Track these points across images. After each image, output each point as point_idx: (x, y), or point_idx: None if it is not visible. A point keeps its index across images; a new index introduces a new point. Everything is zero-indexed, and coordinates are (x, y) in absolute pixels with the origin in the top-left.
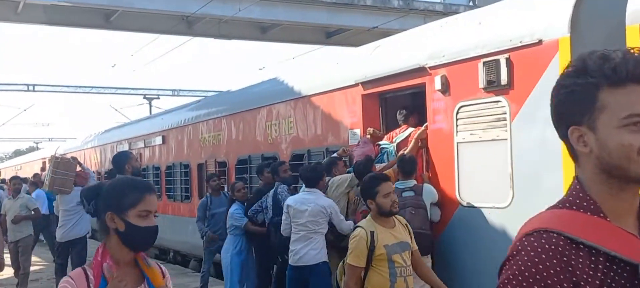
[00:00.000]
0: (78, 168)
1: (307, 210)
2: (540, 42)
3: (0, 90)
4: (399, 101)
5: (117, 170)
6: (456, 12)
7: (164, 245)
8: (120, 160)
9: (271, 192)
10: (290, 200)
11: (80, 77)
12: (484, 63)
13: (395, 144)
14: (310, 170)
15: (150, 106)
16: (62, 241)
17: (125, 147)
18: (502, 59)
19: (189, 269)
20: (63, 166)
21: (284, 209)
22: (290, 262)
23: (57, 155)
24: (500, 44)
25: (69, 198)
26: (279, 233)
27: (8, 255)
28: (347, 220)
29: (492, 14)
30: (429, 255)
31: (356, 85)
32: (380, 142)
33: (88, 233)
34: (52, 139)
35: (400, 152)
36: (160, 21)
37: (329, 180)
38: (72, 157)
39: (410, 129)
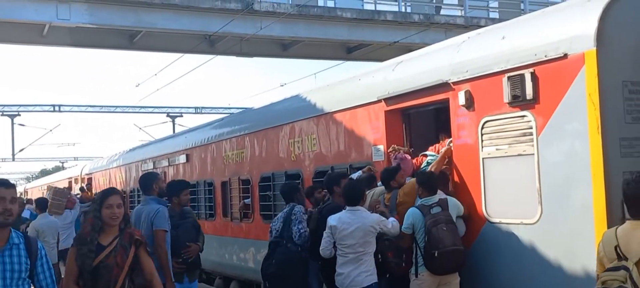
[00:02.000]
0: (69, 196)
1: (354, 230)
2: (565, 56)
3: (27, 111)
4: (423, 117)
5: (144, 191)
6: (477, 26)
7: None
8: (148, 180)
9: (284, 211)
10: (333, 220)
11: (105, 96)
12: (508, 77)
13: (440, 154)
14: (351, 189)
15: (174, 124)
16: (61, 249)
17: (150, 166)
18: (527, 73)
19: (213, 287)
20: (59, 194)
21: (327, 230)
22: (338, 285)
23: (53, 186)
24: (525, 58)
25: (63, 218)
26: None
27: None
28: None
29: (516, 28)
30: (457, 273)
31: (379, 101)
32: (427, 152)
33: None
34: (78, 158)
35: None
36: (183, 40)
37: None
38: (65, 187)
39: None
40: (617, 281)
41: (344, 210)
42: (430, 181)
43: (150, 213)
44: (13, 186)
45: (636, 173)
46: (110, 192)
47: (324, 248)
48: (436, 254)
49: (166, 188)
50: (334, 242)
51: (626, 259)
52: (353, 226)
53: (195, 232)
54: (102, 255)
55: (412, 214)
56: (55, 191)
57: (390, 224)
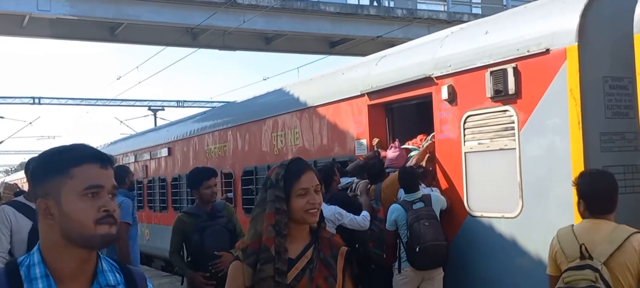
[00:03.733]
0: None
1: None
2: (547, 51)
3: (6, 103)
4: (406, 111)
5: (117, 182)
6: (460, 21)
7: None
8: (120, 174)
9: None
10: (327, 211)
11: (85, 89)
12: (491, 72)
13: (422, 148)
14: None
15: (155, 117)
16: None
17: (131, 159)
18: (510, 68)
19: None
20: (8, 188)
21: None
22: None
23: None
24: (507, 53)
25: None
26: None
27: None
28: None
29: (498, 23)
30: (440, 268)
31: (362, 95)
32: (408, 146)
33: None
34: None
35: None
36: (166, 33)
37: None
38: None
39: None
40: (586, 280)
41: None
42: (411, 179)
43: None
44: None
45: (590, 169)
46: (305, 166)
47: None
48: (418, 249)
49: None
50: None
51: (591, 258)
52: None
53: (228, 236)
54: (291, 275)
55: (395, 210)
56: (5, 185)
57: (349, 219)
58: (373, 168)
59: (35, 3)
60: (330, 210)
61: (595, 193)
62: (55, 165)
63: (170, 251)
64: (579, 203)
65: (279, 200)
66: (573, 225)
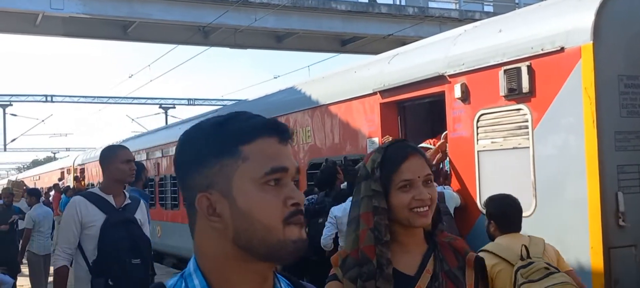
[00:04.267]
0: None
1: None
2: (562, 49)
3: (19, 101)
4: (418, 109)
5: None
6: (472, 19)
7: (182, 254)
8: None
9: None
10: (338, 210)
11: (97, 87)
12: (504, 71)
13: (434, 147)
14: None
15: (166, 115)
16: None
17: (143, 157)
18: (524, 66)
19: None
20: (16, 185)
21: (330, 220)
22: None
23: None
24: (521, 51)
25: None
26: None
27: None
28: None
29: (512, 22)
30: None
31: (374, 93)
32: (426, 145)
33: None
34: (70, 149)
35: None
36: (177, 32)
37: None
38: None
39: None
40: (541, 269)
41: (349, 201)
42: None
43: None
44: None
45: (498, 194)
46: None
47: (326, 239)
48: None
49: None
50: (336, 233)
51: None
52: None
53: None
54: None
55: None
56: (13, 183)
57: None
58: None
59: (49, 2)
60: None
61: (506, 214)
62: (218, 143)
63: None
64: (489, 224)
65: (376, 196)
66: (487, 246)
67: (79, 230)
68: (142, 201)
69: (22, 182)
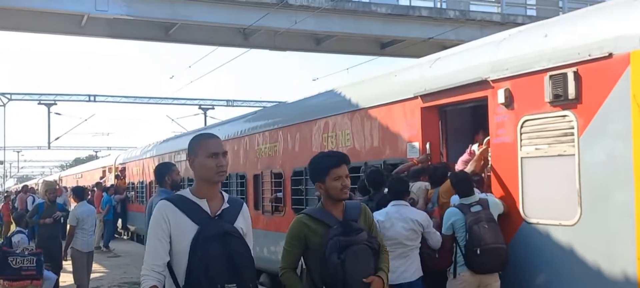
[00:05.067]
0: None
1: (401, 225)
2: (610, 55)
3: (63, 100)
4: (459, 114)
5: (157, 181)
6: (514, 23)
7: None
8: (161, 172)
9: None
10: (380, 215)
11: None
12: (550, 76)
13: (477, 154)
14: (398, 181)
15: (205, 116)
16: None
17: (183, 157)
18: (570, 72)
19: None
20: (48, 185)
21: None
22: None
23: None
24: (568, 57)
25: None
26: None
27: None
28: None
29: (558, 26)
30: (497, 274)
31: (415, 97)
32: (474, 147)
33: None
34: (111, 147)
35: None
36: (218, 33)
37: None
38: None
39: None
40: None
41: (390, 205)
42: (464, 182)
43: (153, 206)
44: None
45: None
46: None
47: None
48: (478, 251)
49: (154, 171)
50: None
51: None
52: (399, 221)
53: (372, 259)
54: None
55: (452, 214)
56: (46, 183)
57: (435, 238)
58: (437, 172)
59: (94, 3)
60: (422, 216)
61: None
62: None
63: (282, 266)
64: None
65: None
66: None
67: (168, 243)
68: (244, 205)
69: (55, 181)
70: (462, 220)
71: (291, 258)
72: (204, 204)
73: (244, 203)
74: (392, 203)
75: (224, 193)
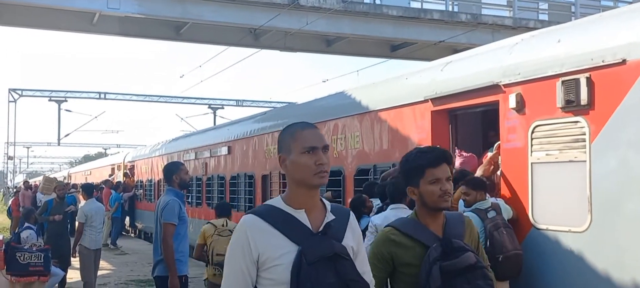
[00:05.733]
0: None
1: None
2: (624, 61)
3: (74, 97)
4: (469, 118)
5: (165, 180)
6: (526, 27)
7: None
8: (169, 171)
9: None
10: (377, 219)
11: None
12: (562, 82)
13: (487, 159)
14: (396, 185)
15: (215, 116)
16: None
17: (192, 156)
18: (583, 78)
19: None
20: (48, 181)
21: (370, 229)
22: None
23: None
24: (581, 62)
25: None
26: None
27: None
28: None
29: (572, 32)
30: (508, 281)
31: (426, 101)
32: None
33: None
34: (121, 145)
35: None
36: (229, 33)
37: None
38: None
39: None
40: None
41: (389, 209)
42: (480, 187)
43: (161, 205)
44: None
45: None
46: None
47: (368, 247)
48: (501, 258)
49: (163, 170)
50: None
51: None
52: None
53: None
54: None
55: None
56: (45, 179)
57: None
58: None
59: (106, 1)
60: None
61: None
62: None
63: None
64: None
65: None
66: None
67: (254, 271)
68: (352, 215)
69: (55, 178)
70: (481, 225)
71: (376, 283)
72: (302, 216)
73: (351, 213)
74: (390, 207)
75: (325, 201)
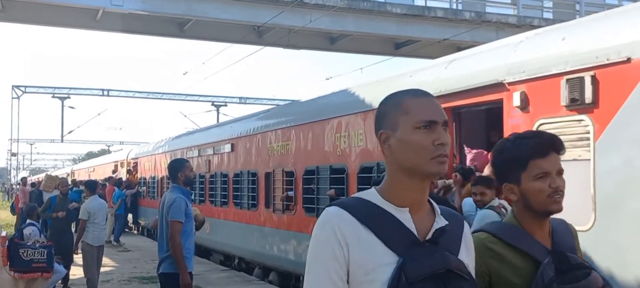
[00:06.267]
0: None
1: None
2: (628, 60)
3: (77, 94)
4: (473, 116)
5: (170, 177)
6: (530, 25)
7: (229, 251)
8: (174, 168)
9: None
10: None
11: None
12: (567, 80)
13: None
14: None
15: (218, 113)
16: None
17: (195, 154)
18: (587, 76)
19: (253, 277)
20: (50, 179)
21: None
22: None
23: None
24: (585, 60)
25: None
26: None
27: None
28: None
29: (576, 30)
30: None
31: None
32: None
33: None
34: (124, 142)
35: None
36: (232, 31)
37: None
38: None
39: None
40: None
41: None
42: (493, 181)
43: (167, 203)
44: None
45: None
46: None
47: None
48: None
49: (168, 167)
50: None
51: None
52: None
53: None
54: None
55: (487, 216)
56: (47, 177)
57: None
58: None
59: None
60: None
61: None
62: None
63: None
64: None
65: None
66: None
67: (344, 278)
68: (465, 224)
69: (57, 176)
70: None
71: None
72: (405, 217)
73: (465, 221)
74: None
75: (432, 201)
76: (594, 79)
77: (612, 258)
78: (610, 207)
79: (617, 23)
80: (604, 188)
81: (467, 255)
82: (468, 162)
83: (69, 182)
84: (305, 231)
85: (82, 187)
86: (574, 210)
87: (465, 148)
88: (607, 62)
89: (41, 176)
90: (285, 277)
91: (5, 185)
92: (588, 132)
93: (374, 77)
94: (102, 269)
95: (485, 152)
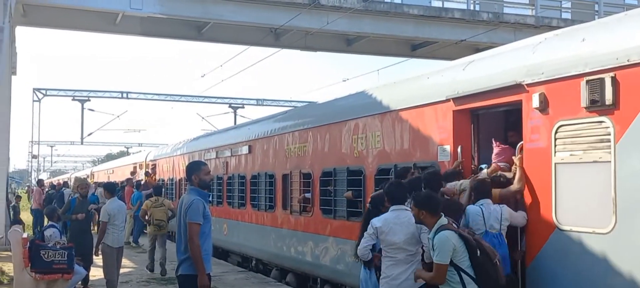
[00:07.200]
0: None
1: (400, 229)
2: None
3: (97, 97)
4: (492, 118)
5: (188, 179)
6: (548, 26)
7: (247, 253)
8: (189, 170)
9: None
10: (378, 221)
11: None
12: (587, 81)
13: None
14: (397, 186)
15: (235, 115)
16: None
17: (213, 155)
18: (607, 77)
19: (270, 278)
20: (78, 181)
21: (369, 230)
22: None
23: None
24: (606, 62)
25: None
26: None
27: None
28: None
29: (596, 31)
30: None
31: (447, 100)
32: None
33: None
34: (142, 144)
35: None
36: (249, 33)
37: None
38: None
39: None
40: None
41: (390, 210)
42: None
43: (185, 205)
44: None
45: None
46: None
47: (364, 250)
48: None
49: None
50: (374, 244)
51: None
52: (397, 225)
53: None
54: None
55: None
56: (76, 179)
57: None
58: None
59: (128, 1)
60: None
61: None
62: None
63: None
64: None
65: None
66: None
67: None
68: None
69: (84, 178)
70: None
71: None
72: None
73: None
74: (391, 208)
75: None
76: (614, 80)
77: (634, 261)
78: (632, 210)
79: (637, 24)
80: (626, 190)
81: None
82: (493, 157)
83: (91, 184)
84: (322, 233)
85: (98, 191)
86: (594, 212)
87: (494, 142)
88: (627, 63)
89: (59, 178)
90: (303, 279)
91: (29, 186)
92: (609, 134)
93: (391, 79)
94: (122, 270)
95: (511, 148)
